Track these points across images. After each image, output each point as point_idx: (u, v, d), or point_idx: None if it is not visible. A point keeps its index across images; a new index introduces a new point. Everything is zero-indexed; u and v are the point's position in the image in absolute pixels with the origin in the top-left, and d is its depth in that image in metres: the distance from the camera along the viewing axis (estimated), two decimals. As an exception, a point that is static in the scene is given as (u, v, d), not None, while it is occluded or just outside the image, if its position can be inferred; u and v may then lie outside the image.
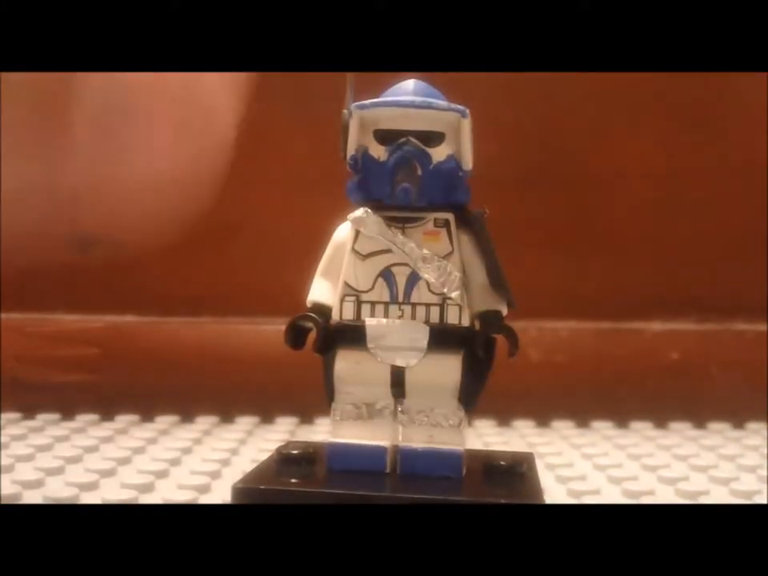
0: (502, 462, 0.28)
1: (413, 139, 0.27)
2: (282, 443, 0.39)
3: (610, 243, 0.52)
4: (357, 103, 0.27)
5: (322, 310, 0.27)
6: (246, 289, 0.51)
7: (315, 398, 0.29)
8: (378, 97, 0.28)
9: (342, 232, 0.28)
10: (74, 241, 0.51)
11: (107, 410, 0.48)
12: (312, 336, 0.27)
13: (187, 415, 0.48)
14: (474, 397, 0.27)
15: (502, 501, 0.25)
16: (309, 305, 0.28)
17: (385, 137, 0.27)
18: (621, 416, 0.49)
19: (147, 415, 0.48)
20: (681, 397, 0.49)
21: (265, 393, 0.48)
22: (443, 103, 0.27)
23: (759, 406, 0.48)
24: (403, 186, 0.26)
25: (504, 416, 0.49)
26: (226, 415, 0.48)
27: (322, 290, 0.28)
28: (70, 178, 0.51)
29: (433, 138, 0.27)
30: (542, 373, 0.48)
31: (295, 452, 0.28)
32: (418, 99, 0.27)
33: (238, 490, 0.25)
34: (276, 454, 0.28)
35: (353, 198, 0.28)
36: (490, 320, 0.27)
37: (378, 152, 0.27)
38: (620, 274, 0.51)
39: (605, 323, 0.50)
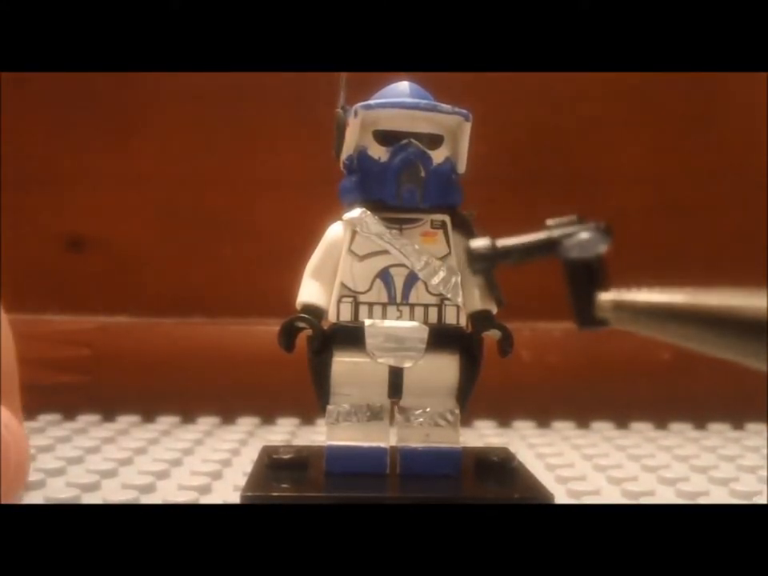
0: (494, 458, 0.28)
1: (414, 141, 0.27)
2: (283, 443, 0.40)
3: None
4: (362, 103, 0.27)
5: (315, 312, 0.27)
6: (238, 289, 0.51)
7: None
8: (369, 98, 0.28)
9: (336, 232, 0.28)
10: (66, 241, 0.51)
11: (106, 411, 0.48)
12: (302, 337, 0.27)
13: (188, 416, 0.48)
14: (469, 396, 0.28)
15: (516, 496, 0.25)
16: (299, 306, 0.27)
17: (386, 137, 0.27)
18: (617, 416, 0.49)
19: (148, 416, 0.48)
20: (675, 397, 0.49)
21: (266, 394, 0.48)
22: (448, 106, 0.27)
23: (755, 406, 0.48)
24: (409, 187, 0.26)
25: (503, 417, 0.49)
26: (228, 416, 0.48)
27: (313, 291, 0.27)
28: (64, 178, 0.51)
29: (433, 140, 0.27)
30: (535, 373, 0.49)
31: (288, 456, 0.28)
32: (423, 102, 0.27)
33: (247, 499, 0.25)
34: (267, 459, 0.28)
35: (348, 199, 0.28)
36: (483, 319, 0.27)
37: (379, 153, 0.27)
38: (613, 275, 0.51)
39: (598, 324, 0.50)
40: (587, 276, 0.19)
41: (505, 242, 0.21)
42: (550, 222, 0.20)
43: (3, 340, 0.30)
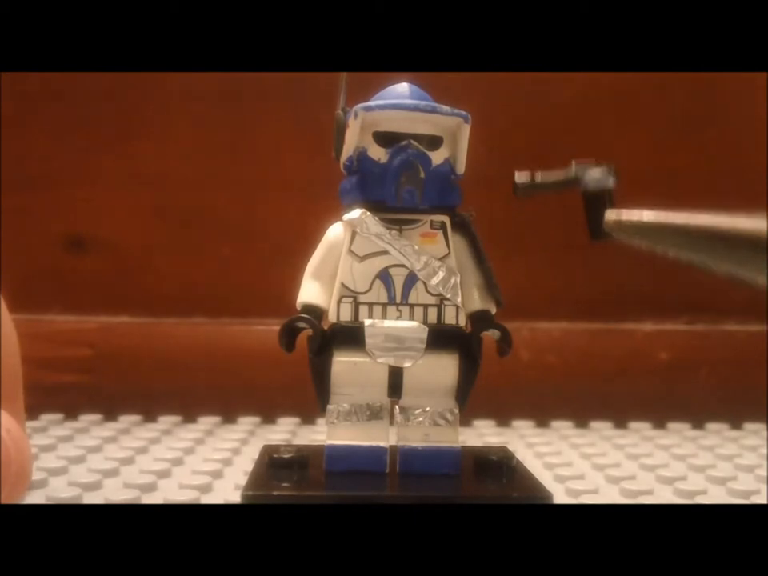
0: (494, 457, 0.28)
1: (413, 142, 0.27)
2: (283, 443, 0.40)
3: (602, 244, 0.52)
4: (361, 105, 0.27)
5: (315, 312, 0.27)
6: (238, 289, 0.51)
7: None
8: (369, 99, 0.28)
9: (336, 232, 0.28)
10: (67, 241, 0.51)
11: (108, 410, 0.48)
12: (302, 338, 0.27)
13: (189, 415, 0.48)
14: (468, 395, 0.28)
15: (515, 495, 0.25)
16: (299, 307, 0.28)
17: (385, 139, 0.27)
18: (615, 415, 0.49)
19: (150, 416, 0.48)
20: (673, 397, 0.49)
21: (266, 393, 0.48)
22: (447, 108, 0.27)
23: (752, 406, 0.48)
24: (408, 188, 0.26)
25: (502, 416, 0.49)
26: (229, 415, 0.48)
27: (313, 292, 0.28)
28: (65, 178, 0.51)
29: (432, 141, 0.27)
30: (533, 373, 0.49)
31: (288, 456, 0.28)
32: (423, 103, 0.27)
33: (248, 498, 0.25)
34: (268, 458, 0.28)
35: (348, 199, 0.28)
36: (482, 319, 0.28)
37: (378, 154, 0.27)
38: (612, 275, 0.51)
39: (597, 324, 0.50)
40: (599, 203, 0.27)
41: (541, 176, 0.28)
42: (573, 162, 0.28)
43: (6, 342, 0.30)
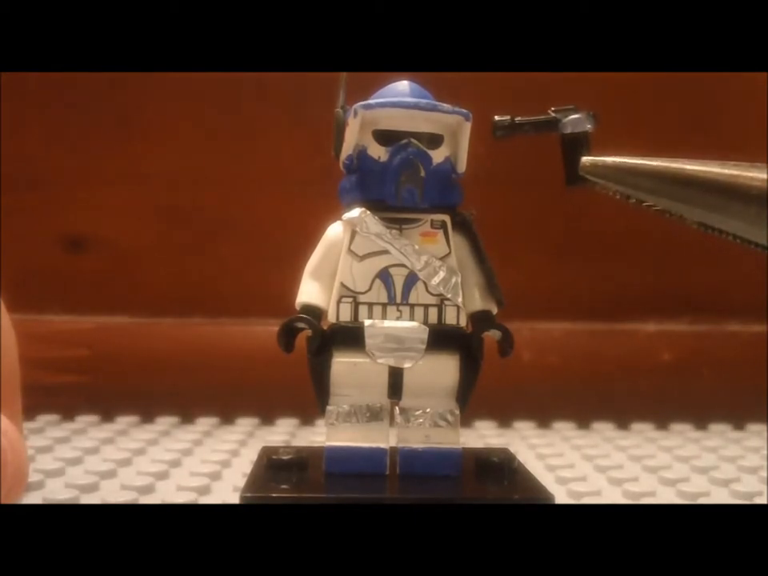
0: (495, 459, 0.28)
1: (414, 140, 0.27)
2: (282, 444, 0.40)
3: (604, 244, 0.52)
4: (361, 103, 0.27)
5: (314, 312, 0.27)
6: (238, 289, 0.51)
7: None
8: (369, 97, 0.28)
9: (335, 232, 0.28)
10: (66, 241, 0.51)
11: (105, 411, 0.48)
12: (302, 338, 0.27)
13: (188, 417, 0.48)
14: (469, 396, 0.28)
15: (516, 497, 0.25)
16: (299, 306, 0.27)
17: (385, 137, 0.27)
18: (617, 417, 0.49)
19: (147, 417, 0.48)
20: (676, 398, 0.49)
21: (265, 394, 0.48)
22: (448, 106, 0.27)
23: (755, 407, 0.48)
24: (408, 187, 0.26)
25: (503, 417, 0.49)
26: (227, 417, 0.48)
27: (312, 292, 0.27)
28: (64, 178, 0.51)
29: (432, 139, 0.27)
30: (535, 374, 0.49)
31: (287, 457, 0.27)
32: (423, 101, 0.27)
33: (246, 499, 0.25)
34: (267, 460, 0.28)
35: (347, 199, 0.27)
36: (483, 319, 0.27)
37: (378, 152, 0.27)
38: (614, 275, 0.51)
39: (599, 324, 0.50)
40: (576, 146, 0.27)
41: (520, 118, 0.29)
42: (552, 108, 0.28)
43: (5, 343, 0.30)
